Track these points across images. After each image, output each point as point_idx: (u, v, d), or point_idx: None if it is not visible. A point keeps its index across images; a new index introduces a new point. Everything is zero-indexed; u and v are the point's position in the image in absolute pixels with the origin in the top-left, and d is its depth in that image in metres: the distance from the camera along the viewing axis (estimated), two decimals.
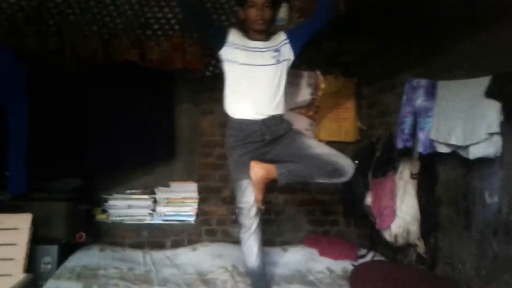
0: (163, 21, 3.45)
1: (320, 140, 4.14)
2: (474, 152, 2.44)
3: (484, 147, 2.38)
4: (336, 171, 2.50)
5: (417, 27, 3.20)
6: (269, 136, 2.54)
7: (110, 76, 3.51)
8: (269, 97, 2.56)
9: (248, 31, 2.66)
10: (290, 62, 2.67)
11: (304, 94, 4.17)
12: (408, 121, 2.98)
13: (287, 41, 2.65)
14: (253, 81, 2.55)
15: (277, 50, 2.62)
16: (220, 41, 2.57)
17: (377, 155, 3.63)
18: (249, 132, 2.54)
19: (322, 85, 4.20)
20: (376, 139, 3.80)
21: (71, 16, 3.26)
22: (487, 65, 2.56)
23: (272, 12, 2.60)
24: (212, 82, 3.85)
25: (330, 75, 4.22)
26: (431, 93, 2.84)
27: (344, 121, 4.22)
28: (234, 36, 2.60)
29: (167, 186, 3.94)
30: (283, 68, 2.62)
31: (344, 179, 2.56)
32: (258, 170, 2.47)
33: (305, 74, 4.19)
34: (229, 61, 2.59)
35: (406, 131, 2.98)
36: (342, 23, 3.31)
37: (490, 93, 2.33)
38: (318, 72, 4.21)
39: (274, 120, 2.56)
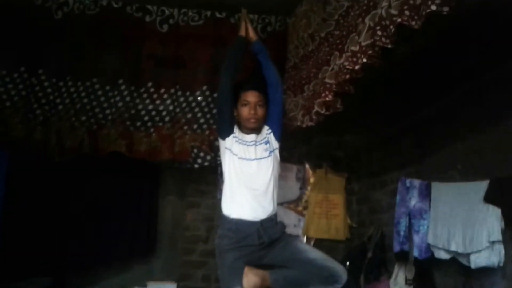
0: (153, 113, 3.43)
1: (309, 238, 4.03)
2: (476, 261, 2.32)
3: (486, 255, 2.27)
4: (332, 277, 2.34)
5: (409, 126, 3.22)
6: (266, 240, 2.39)
7: (93, 166, 3.39)
8: (266, 194, 2.46)
9: (241, 129, 2.62)
10: (277, 151, 2.60)
11: (293, 188, 4.08)
12: (403, 223, 2.89)
13: (269, 130, 2.61)
14: (251, 177, 2.46)
15: (267, 142, 2.57)
16: (230, 127, 2.52)
17: (369, 256, 3.48)
18: (246, 234, 2.38)
19: (311, 179, 4.14)
20: (367, 238, 3.67)
21: (60, 106, 3.21)
22: (481, 168, 2.53)
23: (265, 110, 2.58)
24: (200, 174, 3.79)
25: (320, 169, 4.17)
26: (424, 194, 2.77)
27: (334, 218, 4.09)
28: (236, 130, 2.56)
29: (144, 286, 3.64)
30: (274, 159, 2.55)
31: (339, 285, 2.39)
32: (251, 277, 2.28)
33: (294, 167, 4.13)
34: (231, 152, 2.51)
35: (402, 233, 2.88)
36: (335, 118, 3.32)
37: (489, 199, 2.28)
38: (307, 166, 4.16)
39: (270, 222, 2.43)
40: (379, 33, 2.03)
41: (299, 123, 3.19)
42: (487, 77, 2.55)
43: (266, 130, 2.60)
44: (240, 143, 2.52)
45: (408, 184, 2.89)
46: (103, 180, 3.53)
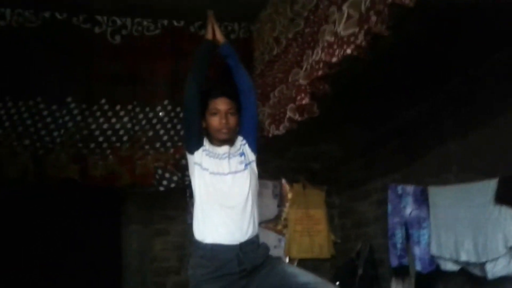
0: (109, 133, 3.06)
1: (291, 258, 3.70)
2: (493, 271, 2.04)
3: (505, 263, 1.99)
4: None
5: (392, 130, 2.98)
6: (248, 266, 2.05)
7: (41, 196, 2.97)
8: (244, 213, 2.13)
9: (211, 141, 2.31)
10: (254, 164, 2.30)
11: (271, 206, 3.78)
12: (399, 234, 2.60)
13: (244, 141, 2.31)
14: (225, 194, 2.14)
15: (242, 154, 2.26)
16: (199, 139, 2.21)
17: (359, 273, 3.17)
18: (223, 261, 2.04)
19: (289, 195, 3.85)
20: (355, 254, 3.37)
21: None
22: (482, 167, 2.27)
23: (237, 119, 2.27)
24: (166, 198, 3.43)
25: (297, 183, 3.88)
26: (421, 201, 2.51)
27: (317, 235, 3.80)
28: (206, 142, 2.25)
29: None
30: (252, 172, 2.24)
31: None
32: None
33: (270, 183, 3.83)
34: (201, 167, 2.19)
35: (399, 245, 2.59)
36: (311, 127, 3.06)
37: (502, 199, 2.01)
38: (284, 181, 3.86)
39: (251, 245, 2.10)
40: (373, 18, 1.75)
41: (265, 133, 2.92)
42: (474, 72, 2.34)
43: (240, 141, 2.30)
44: (211, 156, 2.21)
45: (400, 191, 2.62)
46: (56, 210, 3.12)
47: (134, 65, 3.18)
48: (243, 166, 2.22)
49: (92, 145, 3.01)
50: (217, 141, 2.24)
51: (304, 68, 2.47)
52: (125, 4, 3.08)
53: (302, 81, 2.45)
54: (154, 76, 3.21)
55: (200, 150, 2.20)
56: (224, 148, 2.22)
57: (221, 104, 2.19)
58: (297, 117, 2.60)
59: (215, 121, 2.19)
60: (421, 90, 2.73)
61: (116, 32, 3.18)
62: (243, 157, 2.25)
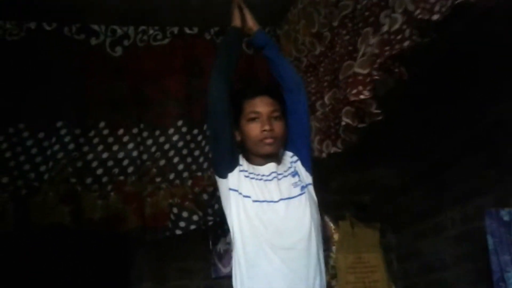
0: (110, 164, 2.43)
1: None
2: None
3: None
4: None
5: (469, 142, 2.29)
6: None
7: (24, 248, 2.29)
8: (308, 256, 1.56)
9: (250, 159, 1.69)
10: (312, 188, 1.69)
11: None
12: (511, 277, 1.85)
13: (295, 157, 1.71)
14: (279, 229, 1.54)
15: (295, 174, 1.65)
16: (233, 157, 1.64)
17: None
18: None
19: (335, 237, 3.12)
20: None
21: None
22: None
23: (284, 126, 1.68)
24: (184, 246, 2.72)
25: (342, 221, 3.16)
26: None
27: (374, 286, 3.04)
28: (242, 161, 1.67)
29: None
30: (311, 198, 1.64)
31: None
32: None
33: None
34: (239, 194, 1.59)
35: None
36: (359, 148, 2.40)
37: None
38: (327, 219, 3.14)
39: None
40: None
41: (316, 154, 2.27)
42: None
43: (289, 157, 1.73)
44: (252, 178, 1.64)
45: (507, 217, 1.90)
46: (44, 266, 2.43)
47: (139, 81, 2.62)
48: (298, 189, 1.63)
49: (89, 180, 2.38)
50: (258, 158, 1.66)
51: (361, 54, 1.83)
52: (126, 10, 2.54)
53: (358, 70, 1.82)
54: (164, 93, 2.63)
55: (236, 171, 1.63)
56: (270, 167, 1.65)
57: (262, 106, 1.65)
58: (356, 123, 1.95)
59: (254, 129, 1.63)
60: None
61: (117, 43, 2.63)
62: (296, 177, 1.66)
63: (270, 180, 1.63)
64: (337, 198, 3.20)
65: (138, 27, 2.68)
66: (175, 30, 2.73)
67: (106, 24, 2.64)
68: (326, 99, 2.26)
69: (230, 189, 1.61)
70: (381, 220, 3.21)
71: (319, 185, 3.13)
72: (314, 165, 1.75)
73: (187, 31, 2.74)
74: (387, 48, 1.58)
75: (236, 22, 1.80)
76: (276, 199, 1.58)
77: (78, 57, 2.54)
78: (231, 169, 1.62)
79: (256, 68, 2.70)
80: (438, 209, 2.72)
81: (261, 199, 1.58)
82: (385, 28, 1.61)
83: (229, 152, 1.62)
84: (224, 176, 1.62)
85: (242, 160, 1.66)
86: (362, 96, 1.81)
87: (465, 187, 2.48)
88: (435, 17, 1.30)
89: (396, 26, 1.52)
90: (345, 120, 2.00)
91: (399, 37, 1.50)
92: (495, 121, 2.25)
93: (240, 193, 1.59)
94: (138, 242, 2.67)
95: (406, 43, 1.45)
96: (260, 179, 1.63)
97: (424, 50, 1.67)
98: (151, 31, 2.69)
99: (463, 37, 1.88)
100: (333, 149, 2.11)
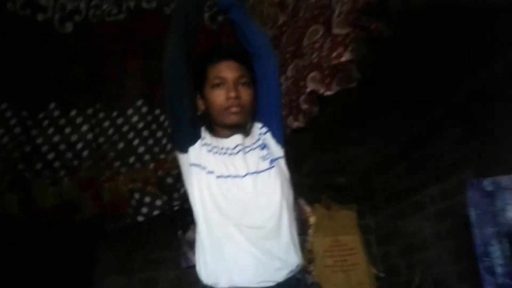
0: (62, 147, 2.22)
1: None
2: None
3: None
4: None
5: (455, 113, 2.17)
6: None
7: None
8: (279, 235, 1.37)
9: (214, 130, 1.50)
10: (283, 162, 1.51)
11: None
12: (496, 251, 1.73)
13: (265, 128, 1.54)
14: (246, 206, 1.38)
15: (264, 147, 1.49)
16: (194, 128, 1.47)
17: None
18: None
19: (311, 219, 2.99)
20: None
21: None
22: None
23: (252, 94, 1.50)
24: (150, 234, 2.54)
25: (318, 204, 3.03)
26: None
27: (353, 269, 2.91)
28: (205, 134, 1.50)
29: None
30: (281, 173, 1.47)
31: None
32: None
33: None
34: (202, 169, 1.42)
35: (499, 268, 1.70)
36: (331, 127, 2.28)
37: None
38: (302, 202, 3.01)
39: (296, 286, 1.28)
40: None
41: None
42: None
43: (258, 128, 1.56)
44: (216, 152, 1.48)
45: (490, 187, 1.77)
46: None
47: (93, 59, 2.39)
48: (267, 163, 1.46)
49: (39, 166, 2.17)
50: (223, 130, 1.49)
51: (337, 13, 1.67)
52: None
53: (336, 31, 1.65)
54: (121, 72, 2.42)
55: (198, 145, 1.47)
56: (236, 139, 1.48)
57: (228, 71, 1.48)
58: (322, 89, 1.78)
59: (219, 96, 1.46)
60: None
61: (67, 19, 2.40)
62: (265, 150, 1.49)
63: (235, 153, 1.46)
64: (311, 180, 3.07)
65: (91, 1, 2.46)
66: (131, 4, 2.52)
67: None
68: (288, 70, 2.10)
69: (192, 164, 1.44)
70: (358, 201, 3.09)
71: (291, 167, 2.99)
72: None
73: (145, 5, 2.54)
74: (356, 3, 1.42)
75: None
76: (242, 174, 1.42)
77: (23, 34, 2.32)
78: (192, 142, 1.44)
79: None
80: (417, 187, 2.61)
81: (226, 174, 1.42)
82: None
83: (189, 123, 1.44)
84: (184, 150, 1.45)
85: (204, 133, 1.48)
86: (343, 59, 1.64)
87: (444, 162, 2.37)
88: None
89: None
90: (310, 86, 1.83)
91: None
92: (472, 90, 2.13)
93: (203, 168, 1.43)
94: (100, 233, 2.45)
95: None
96: (225, 153, 1.47)
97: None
98: (105, 6, 2.48)
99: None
100: (295, 124, 1.94)
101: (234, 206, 1.38)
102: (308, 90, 1.83)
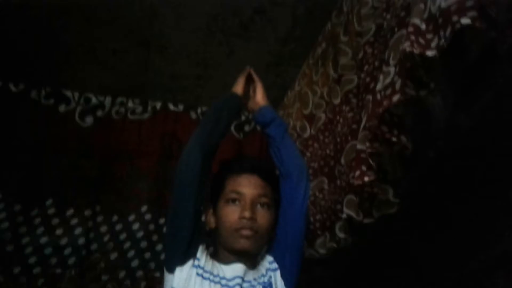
0: (48, 251, 2.03)
1: None
2: None
3: None
4: None
5: None
6: None
7: None
8: None
9: (217, 252, 1.25)
10: None
11: None
12: None
13: (275, 264, 1.29)
14: None
15: (268, 285, 1.24)
16: (191, 245, 1.22)
17: None
18: None
19: None
20: None
21: None
22: None
23: (272, 218, 1.29)
24: None
25: None
26: None
27: None
28: (202, 254, 1.24)
29: None
30: None
31: None
32: None
33: None
34: None
35: None
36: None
37: None
38: None
39: None
40: None
41: None
42: None
43: (268, 262, 1.31)
44: (206, 278, 1.21)
45: None
46: None
47: (108, 156, 2.24)
48: None
49: (16, 270, 1.91)
50: (228, 254, 1.26)
51: (362, 126, 1.42)
52: (106, 79, 2.27)
53: (359, 146, 1.39)
54: (134, 172, 2.24)
55: (187, 266, 1.21)
56: (237, 269, 1.23)
57: (247, 186, 1.28)
58: (361, 217, 1.47)
59: (232, 214, 1.25)
60: None
61: (89, 113, 2.31)
62: None
63: (230, 286, 1.18)
64: None
65: (116, 98, 2.38)
66: (158, 105, 2.42)
67: (80, 91, 2.35)
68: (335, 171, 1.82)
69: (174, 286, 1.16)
70: None
71: None
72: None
73: (171, 107, 2.43)
74: (376, 109, 1.18)
75: (237, 89, 1.47)
76: None
77: (39, 123, 2.22)
78: (182, 262, 1.19)
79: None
80: None
81: None
82: (378, 87, 1.22)
83: (186, 239, 1.20)
84: (171, 270, 1.19)
85: (201, 254, 1.22)
86: (366, 178, 1.36)
87: None
88: (430, 53, 0.91)
89: (388, 80, 1.13)
90: (346, 212, 1.53)
91: (388, 91, 1.10)
92: None
93: None
94: None
95: (395, 97, 1.04)
96: (217, 282, 1.18)
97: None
98: (130, 104, 2.38)
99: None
100: (308, 251, 1.61)
101: None
102: (344, 216, 1.52)
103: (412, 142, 1.24)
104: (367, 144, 1.31)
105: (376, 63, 1.45)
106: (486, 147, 1.66)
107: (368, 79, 1.48)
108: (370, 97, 1.43)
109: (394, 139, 1.13)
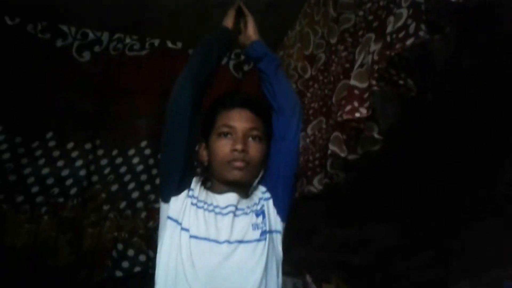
0: (50, 181, 2.09)
1: None
2: None
3: None
4: None
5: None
6: None
7: None
8: None
9: (212, 184, 1.32)
10: (280, 238, 1.29)
11: None
12: None
13: (268, 193, 1.32)
14: (213, 281, 1.16)
15: (261, 213, 1.27)
16: (185, 175, 1.26)
17: None
18: None
19: None
20: None
21: None
22: None
23: (263, 150, 1.31)
24: None
25: (328, 284, 2.69)
26: None
27: None
28: (196, 185, 1.28)
29: None
30: (272, 249, 1.25)
31: None
32: None
33: (289, 281, 2.63)
34: (177, 225, 1.21)
35: None
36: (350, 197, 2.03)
37: None
38: (309, 279, 2.68)
39: None
40: None
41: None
42: None
43: (261, 192, 1.35)
44: (200, 207, 1.26)
45: None
46: None
47: (106, 93, 2.25)
48: (257, 233, 1.24)
49: (19, 199, 1.96)
50: (221, 185, 1.29)
51: (359, 63, 1.45)
52: (105, 15, 2.24)
53: (354, 82, 1.43)
54: (133, 110, 2.26)
55: (182, 196, 1.25)
56: (230, 197, 1.27)
57: (239, 119, 1.30)
58: (345, 153, 1.53)
59: (224, 147, 1.27)
60: None
61: (85, 48, 2.29)
62: (260, 218, 1.27)
63: (223, 214, 1.23)
64: (322, 256, 2.75)
65: (114, 34, 2.36)
66: (156, 42, 2.41)
67: (77, 26, 2.33)
68: (309, 128, 1.87)
69: (169, 217, 1.22)
70: (373, 286, 2.74)
71: (300, 238, 2.69)
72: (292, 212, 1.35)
73: (170, 45, 2.42)
74: (387, 51, 1.20)
75: (227, 22, 1.45)
76: (221, 240, 1.17)
77: (37, 57, 2.21)
78: (177, 192, 1.23)
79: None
80: (445, 280, 2.26)
81: (201, 235, 1.18)
82: (389, 29, 1.24)
83: (180, 170, 1.24)
84: (166, 199, 1.24)
85: (195, 184, 1.27)
86: (357, 114, 1.40)
87: (479, 256, 2.03)
88: None
89: (400, 23, 1.15)
90: (332, 149, 1.58)
91: (401, 34, 1.12)
92: None
93: (179, 224, 1.20)
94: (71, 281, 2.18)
95: (409, 41, 1.06)
96: (211, 211, 1.24)
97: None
98: (127, 40, 2.37)
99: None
100: (308, 188, 1.68)
101: (199, 275, 1.14)
102: (329, 152, 1.58)
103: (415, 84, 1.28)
104: (367, 83, 1.34)
105: (381, 2, 1.46)
106: (485, 92, 1.71)
107: (371, 17, 1.50)
108: (372, 35, 1.45)
109: (401, 82, 1.17)
